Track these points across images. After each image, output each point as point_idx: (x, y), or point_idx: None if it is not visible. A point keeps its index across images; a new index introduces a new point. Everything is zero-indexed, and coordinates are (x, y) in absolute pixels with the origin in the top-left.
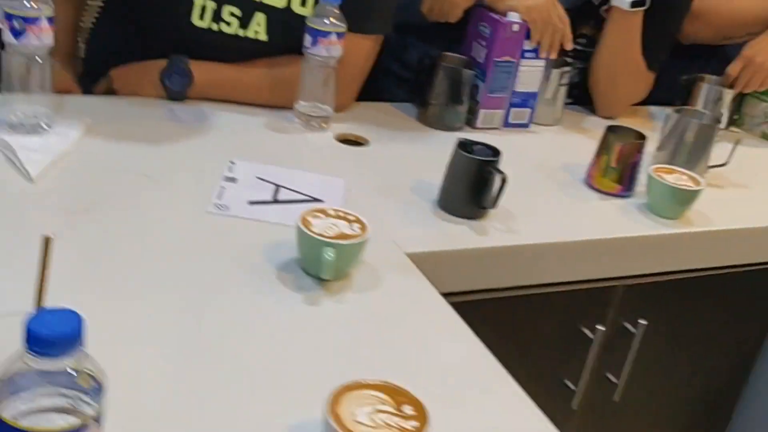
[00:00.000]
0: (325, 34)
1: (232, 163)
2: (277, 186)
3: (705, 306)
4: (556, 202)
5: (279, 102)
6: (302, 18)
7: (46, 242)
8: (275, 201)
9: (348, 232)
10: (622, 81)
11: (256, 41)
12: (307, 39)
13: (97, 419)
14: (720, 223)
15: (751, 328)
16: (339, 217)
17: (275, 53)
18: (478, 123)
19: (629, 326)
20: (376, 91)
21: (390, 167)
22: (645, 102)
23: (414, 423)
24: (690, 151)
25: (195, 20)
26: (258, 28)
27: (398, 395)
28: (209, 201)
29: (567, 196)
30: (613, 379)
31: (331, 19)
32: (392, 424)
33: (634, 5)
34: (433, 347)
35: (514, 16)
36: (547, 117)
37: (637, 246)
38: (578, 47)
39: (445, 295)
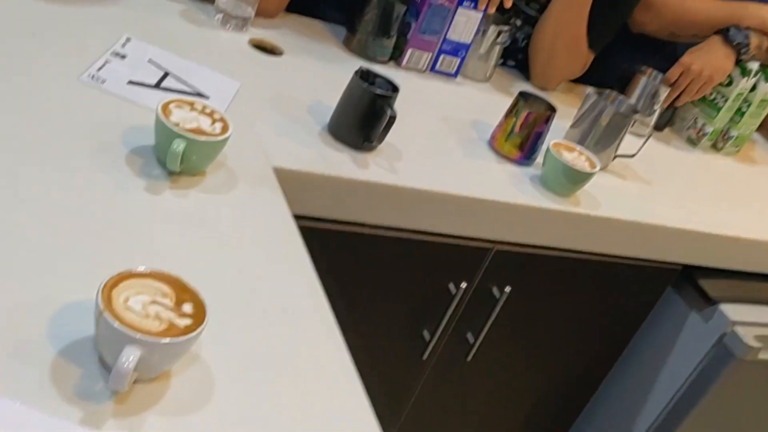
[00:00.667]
0: None
1: (128, 39)
2: (166, 73)
3: (575, 289)
4: (450, 154)
5: None
6: None
7: None
8: (157, 86)
9: (206, 129)
10: (561, 54)
11: None
12: None
13: None
14: (607, 211)
15: (618, 324)
16: (204, 113)
17: None
18: (404, 61)
19: (495, 290)
20: (311, 8)
21: (294, 83)
22: (587, 82)
23: (187, 321)
24: (601, 135)
25: None
26: None
27: (183, 292)
28: (87, 71)
29: (464, 152)
30: (470, 339)
31: None
32: (163, 317)
33: None
34: (257, 262)
35: None
36: (477, 72)
37: (518, 213)
38: (530, 12)
39: (305, 218)
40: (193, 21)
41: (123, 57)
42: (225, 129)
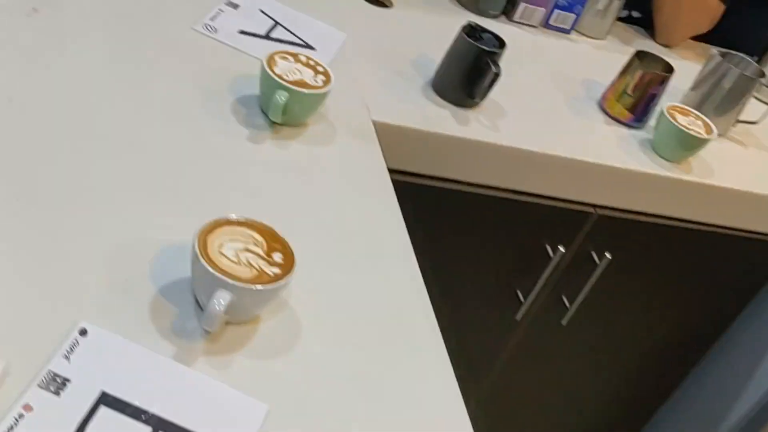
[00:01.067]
0: None
1: None
2: (276, 23)
3: (679, 261)
4: (557, 113)
5: None
6: None
7: None
8: (266, 36)
9: (309, 81)
10: (689, 8)
11: None
12: None
13: None
14: (721, 180)
15: (721, 302)
16: (308, 66)
17: None
18: (516, 16)
19: (594, 256)
20: None
21: (401, 36)
22: (716, 42)
23: (276, 270)
24: (722, 99)
25: None
26: None
27: (275, 242)
28: (201, 21)
29: (571, 111)
30: (566, 303)
31: None
32: (254, 264)
33: None
34: (349, 213)
35: None
36: (594, 29)
37: (624, 178)
38: None
39: (402, 173)
40: None
41: (236, 6)
42: (327, 81)
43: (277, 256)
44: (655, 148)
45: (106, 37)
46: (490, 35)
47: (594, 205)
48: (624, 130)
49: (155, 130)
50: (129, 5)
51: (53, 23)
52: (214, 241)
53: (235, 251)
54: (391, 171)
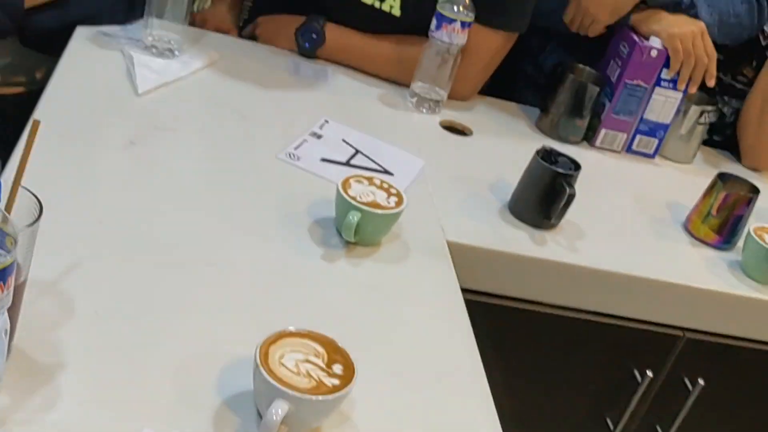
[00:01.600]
0: (450, 20)
1: (326, 121)
2: (357, 151)
3: None
4: (639, 235)
5: (401, 78)
6: (435, 0)
7: (34, 126)
8: (347, 163)
9: (382, 202)
10: None
11: (390, 15)
12: (434, 22)
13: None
14: None
15: None
16: (382, 188)
17: (407, 30)
18: (597, 141)
19: (687, 382)
20: (507, 90)
21: (480, 161)
22: None
23: (335, 381)
24: None
25: None
26: (393, 3)
27: (336, 353)
28: (285, 150)
29: (655, 234)
30: (659, 430)
31: (461, 7)
32: (314, 375)
33: None
34: (418, 329)
35: (655, 41)
36: (679, 153)
37: (713, 300)
38: (737, 85)
39: (478, 293)
40: (388, 104)
41: (319, 137)
42: (399, 203)
43: (338, 368)
44: (744, 269)
45: (195, 166)
46: (565, 158)
47: (682, 328)
48: (711, 252)
49: (233, 248)
50: (219, 138)
51: (149, 153)
52: (275, 351)
53: (295, 362)
54: (465, 291)
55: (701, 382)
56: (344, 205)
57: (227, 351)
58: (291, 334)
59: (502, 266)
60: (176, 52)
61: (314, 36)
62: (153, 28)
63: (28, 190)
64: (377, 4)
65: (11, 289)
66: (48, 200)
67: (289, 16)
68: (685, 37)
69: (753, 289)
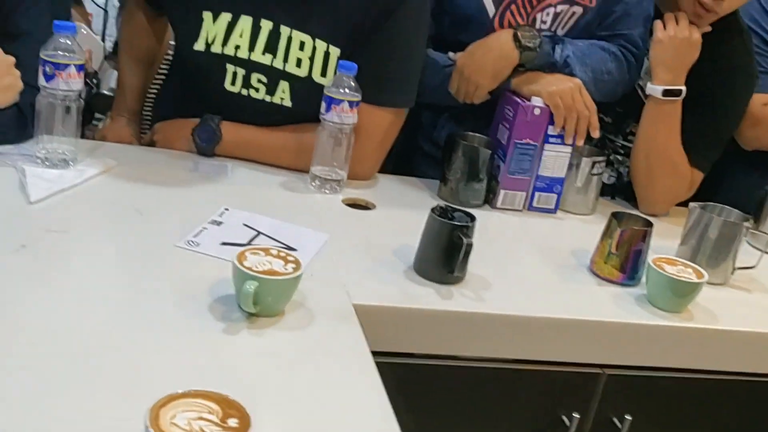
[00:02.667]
0: (338, 101)
1: (226, 209)
2: (258, 233)
3: (699, 412)
4: (546, 281)
5: (299, 165)
6: (322, 87)
7: None
8: (248, 245)
9: (279, 270)
10: (660, 174)
11: (282, 107)
12: (323, 105)
13: None
14: (726, 324)
15: None
16: (279, 257)
17: (300, 118)
18: (498, 203)
19: (615, 420)
20: (408, 168)
21: (383, 231)
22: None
23: None
24: (712, 249)
25: (227, 85)
26: (283, 95)
27: (230, 408)
28: (184, 238)
29: (561, 278)
30: None
31: (346, 89)
32: (207, 431)
33: (666, 94)
34: (326, 394)
35: (537, 100)
36: (578, 206)
37: (626, 333)
38: (629, 144)
39: (389, 354)
40: (290, 189)
41: (219, 224)
42: (297, 269)
43: (233, 421)
44: (650, 300)
45: (88, 261)
46: (461, 213)
47: (601, 366)
48: (618, 289)
49: (129, 332)
50: (115, 234)
51: (41, 255)
52: (166, 413)
53: (187, 420)
54: (376, 353)
55: (628, 417)
56: (240, 277)
57: (123, 427)
58: (182, 395)
59: (411, 323)
60: (70, 162)
61: (211, 133)
62: (45, 143)
63: None
64: (268, 98)
65: None
66: None
67: (185, 119)
68: (564, 93)
69: (661, 317)
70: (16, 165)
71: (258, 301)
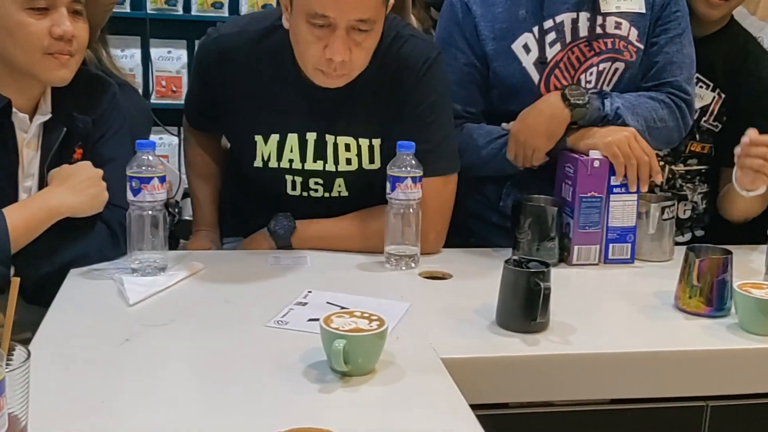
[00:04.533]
0: (402, 179)
1: (309, 292)
2: (342, 308)
3: None
4: (632, 320)
5: (369, 248)
6: (374, 171)
7: (14, 283)
8: None
9: (365, 327)
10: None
11: (340, 197)
12: (387, 186)
13: None
14: None
15: None
16: (363, 317)
17: (358, 204)
18: (573, 259)
19: None
20: (479, 242)
21: (463, 295)
22: None
23: None
24: None
25: (288, 191)
26: (340, 188)
27: None
28: (273, 319)
29: (647, 316)
30: None
31: (407, 166)
32: None
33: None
34: None
35: (595, 153)
36: (656, 252)
37: (723, 361)
38: (692, 167)
39: (483, 406)
40: (368, 269)
41: (304, 304)
42: (381, 325)
43: None
44: (743, 327)
45: (188, 348)
46: (535, 262)
47: (704, 398)
48: (707, 321)
49: (230, 401)
50: (209, 324)
51: (143, 347)
52: None
53: None
54: (473, 407)
55: None
56: (329, 337)
57: None
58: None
59: (500, 373)
60: (161, 270)
61: (286, 225)
62: (137, 255)
63: (17, 344)
64: (327, 195)
65: (4, 410)
66: (57, 388)
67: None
68: (620, 142)
69: (757, 341)
70: (114, 277)
71: (348, 360)
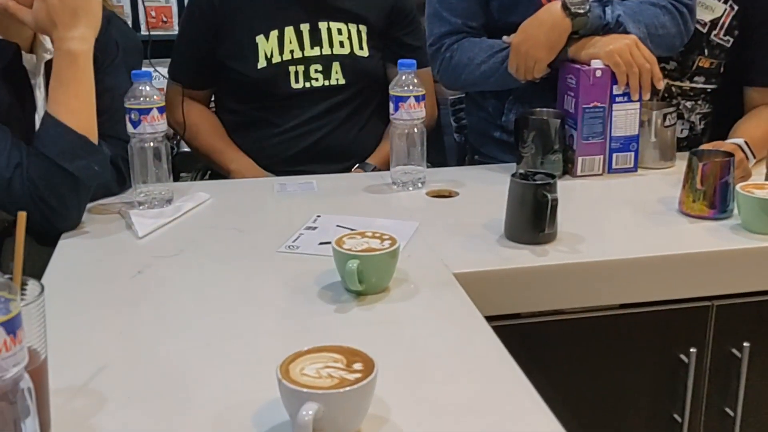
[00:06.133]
0: (405, 98)
1: (318, 216)
2: (352, 230)
3: None
4: (638, 225)
5: None
6: (365, 59)
7: (20, 218)
8: None
9: (377, 247)
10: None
11: (339, 86)
12: (391, 106)
13: (5, 324)
14: None
15: None
16: (374, 237)
17: (356, 94)
18: (578, 170)
19: (734, 350)
20: (482, 158)
21: (471, 212)
22: None
23: (357, 375)
24: None
25: (293, 85)
26: (338, 75)
27: (354, 356)
28: (284, 244)
29: (652, 221)
30: (730, 412)
31: (409, 85)
32: (335, 375)
33: None
34: (444, 350)
35: (596, 63)
36: (658, 160)
37: (728, 262)
38: (698, 84)
39: (497, 317)
40: (375, 191)
41: (314, 229)
42: (393, 243)
43: (358, 365)
44: (746, 227)
45: (201, 276)
46: (541, 174)
47: (709, 298)
48: (711, 224)
49: (249, 323)
50: (220, 251)
51: (156, 277)
52: (295, 368)
53: (315, 370)
54: (485, 319)
55: (746, 344)
56: (342, 258)
57: (259, 397)
58: (307, 351)
59: (511, 284)
60: (167, 201)
61: None
62: (141, 188)
63: (30, 279)
64: (326, 83)
65: (23, 344)
66: (73, 321)
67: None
68: (621, 50)
69: (760, 240)
70: (120, 211)
71: (362, 279)
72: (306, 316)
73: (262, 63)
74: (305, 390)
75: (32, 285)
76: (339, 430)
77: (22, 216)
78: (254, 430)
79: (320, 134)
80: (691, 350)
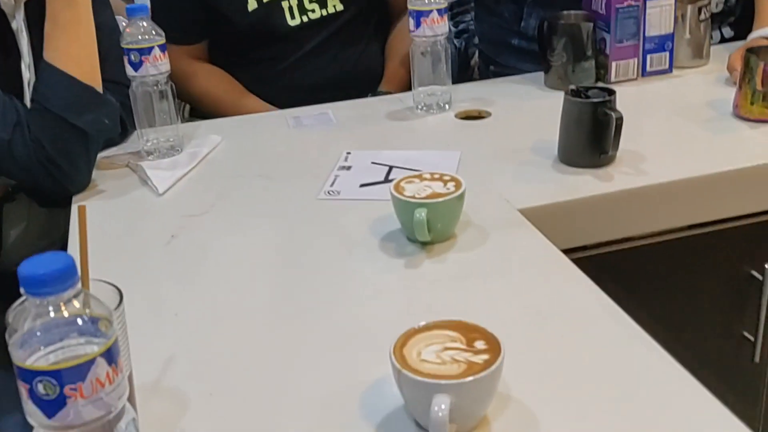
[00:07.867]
0: (427, 12)
1: (348, 153)
2: (390, 167)
3: None
4: (698, 139)
5: None
6: None
7: (81, 211)
8: (386, 180)
9: (441, 191)
10: None
11: (336, 13)
12: (411, 23)
13: (105, 355)
14: None
15: None
16: (434, 179)
17: (355, 21)
18: (612, 77)
19: None
20: (499, 69)
21: (511, 134)
22: None
23: (484, 357)
24: None
25: (289, 21)
26: (335, 2)
27: (471, 332)
28: (322, 190)
29: (710, 131)
30: None
31: None
32: (460, 359)
33: None
34: (538, 293)
35: None
36: (691, 58)
37: None
38: None
39: (575, 249)
40: (399, 118)
41: (349, 168)
42: (458, 185)
43: (480, 344)
44: None
45: (242, 235)
46: (595, 90)
47: None
48: None
49: (320, 289)
50: (254, 204)
51: (191, 241)
52: (411, 352)
53: (435, 353)
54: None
55: None
56: (406, 208)
57: (360, 380)
58: (417, 330)
59: (579, 215)
60: (179, 148)
61: None
62: (148, 135)
63: (103, 281)
64: (324, 12)
65: (125, 372)
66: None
67: None
68: None
69: None
70: (129, 164)
71: (431, 229)
72: (377, 275)
73: (252, 5)
74: (433, 381)
75: (111, 291)
76: (468, 421)
77: (82, 209)
78: (365, 424)
79: (322, 66)
80: (766, 266)
